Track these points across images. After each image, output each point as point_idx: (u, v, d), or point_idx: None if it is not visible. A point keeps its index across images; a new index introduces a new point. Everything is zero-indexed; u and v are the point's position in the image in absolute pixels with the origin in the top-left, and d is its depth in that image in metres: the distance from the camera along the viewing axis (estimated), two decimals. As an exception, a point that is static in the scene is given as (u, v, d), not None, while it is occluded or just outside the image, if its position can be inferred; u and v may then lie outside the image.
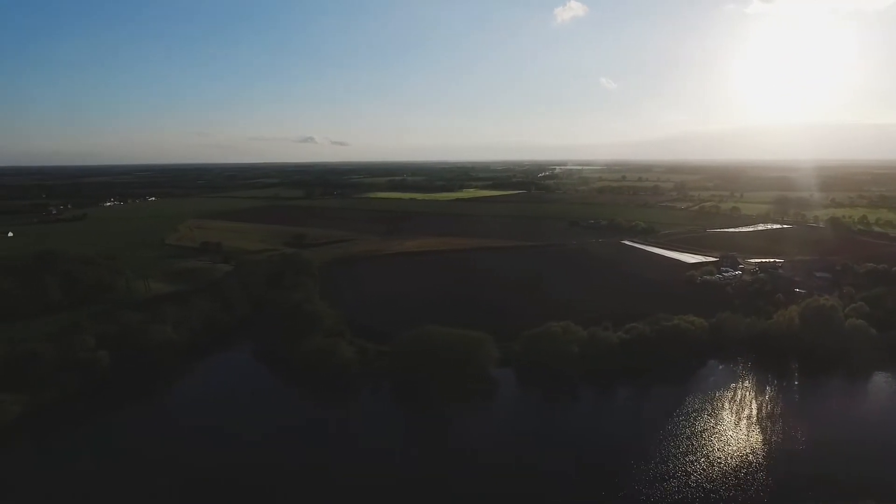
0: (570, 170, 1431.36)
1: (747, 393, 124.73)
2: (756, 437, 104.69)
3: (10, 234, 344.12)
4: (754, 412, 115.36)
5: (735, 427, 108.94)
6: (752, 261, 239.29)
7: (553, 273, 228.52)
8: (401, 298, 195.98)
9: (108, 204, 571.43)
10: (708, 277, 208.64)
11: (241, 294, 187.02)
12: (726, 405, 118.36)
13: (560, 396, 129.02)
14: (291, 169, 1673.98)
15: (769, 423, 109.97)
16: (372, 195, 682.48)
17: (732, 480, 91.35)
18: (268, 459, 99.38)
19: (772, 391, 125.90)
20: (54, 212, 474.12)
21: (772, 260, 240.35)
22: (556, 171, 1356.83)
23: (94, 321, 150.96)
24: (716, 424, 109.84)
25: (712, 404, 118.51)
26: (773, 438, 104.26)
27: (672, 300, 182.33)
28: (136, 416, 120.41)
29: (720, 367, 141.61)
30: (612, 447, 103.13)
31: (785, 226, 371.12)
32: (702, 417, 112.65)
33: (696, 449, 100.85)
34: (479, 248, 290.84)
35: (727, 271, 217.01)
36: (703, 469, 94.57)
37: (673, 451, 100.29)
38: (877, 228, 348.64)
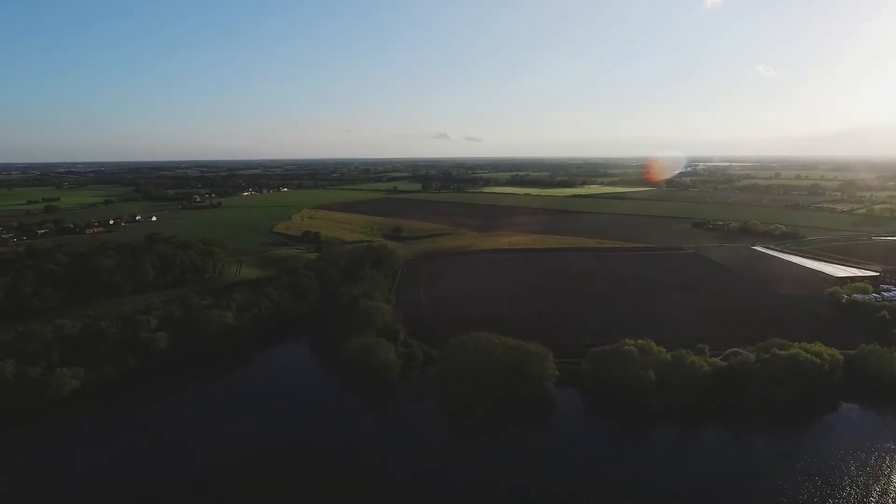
0: (715, 166, 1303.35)
1: (891, 457, 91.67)
2: (890, 527, 74.77)
3: (154, 219, 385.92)
4: None
5: (860, 506, 79.27)
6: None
7: (655, 280, 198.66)
8: (476, 298, 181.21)
9: (246, 194, 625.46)
10: (858, 297, 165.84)
11: (314, 284, 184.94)
12: (855, 470, 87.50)
13: (627, 431, 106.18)
14: (422, 164, 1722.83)
15: (915, 508, 78.45)
16: (487, 190, 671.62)
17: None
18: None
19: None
20: (198, 200, 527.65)
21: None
22: (699, 167, 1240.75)
23: (165, 303, 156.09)
24: (834, 497, 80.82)
25: (835, 466, 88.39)
26: (918, 533, 73.59)
27: (802, 322, 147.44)
28: (159, 404, 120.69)
29: (855, 415, 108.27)
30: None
31: None
32: (815, 483, 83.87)
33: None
34: (579, 247, 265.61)
35: (889, 290, 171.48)
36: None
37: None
38: None
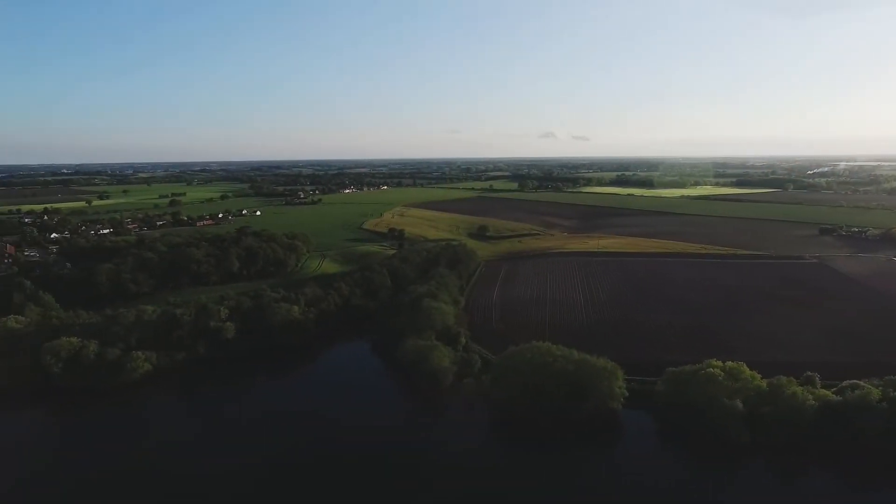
0: (860, 166, 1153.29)
1: None
2: None
3: (258, 213, 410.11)
4: None
5: None
6: None
7: (762, 292, 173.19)
8: (552, 303, 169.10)
9: (347, 191, 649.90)
10: None
11: (387, 281, 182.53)
12: None
13: (706, 468, 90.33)
14: (525, 163, 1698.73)
15: None
16: (587, 190, 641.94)
17: None
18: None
19: None
20: (302, 196, 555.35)
21: None
22: (839, 167, 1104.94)
23: (239, 294, 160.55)
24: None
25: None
26: None
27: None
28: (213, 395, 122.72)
29: None
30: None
31: None
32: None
33: None
34: (676, 252, 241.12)
35: None
36: None
37: None
38: None
